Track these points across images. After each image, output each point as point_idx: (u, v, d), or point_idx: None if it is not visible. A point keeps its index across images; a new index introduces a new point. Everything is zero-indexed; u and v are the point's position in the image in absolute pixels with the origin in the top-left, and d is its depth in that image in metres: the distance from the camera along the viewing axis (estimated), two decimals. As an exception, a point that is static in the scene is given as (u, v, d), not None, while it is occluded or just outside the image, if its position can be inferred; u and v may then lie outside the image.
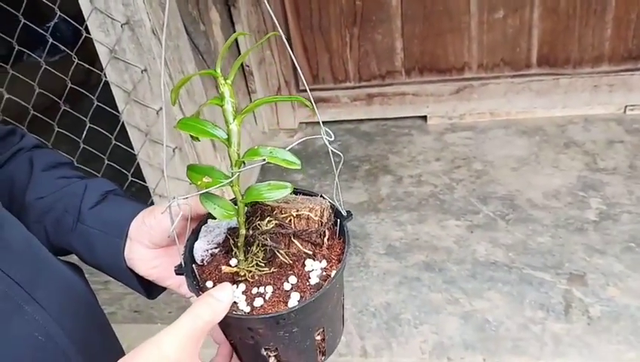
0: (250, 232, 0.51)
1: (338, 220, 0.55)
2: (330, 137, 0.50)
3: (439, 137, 2.03)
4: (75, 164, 1.58)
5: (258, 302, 0.49)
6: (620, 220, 1.48)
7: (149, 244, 0.59)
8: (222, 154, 1.54)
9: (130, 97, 1.33)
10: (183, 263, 0.53)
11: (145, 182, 1.48)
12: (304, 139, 0.62)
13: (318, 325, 0.52)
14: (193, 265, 0.54)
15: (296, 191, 0.56)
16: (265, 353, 0.51)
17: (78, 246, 0.61)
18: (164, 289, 0.64)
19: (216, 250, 0.55)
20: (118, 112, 1.39)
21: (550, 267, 1.38)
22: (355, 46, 2.08)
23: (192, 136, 0.46)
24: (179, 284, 0.61)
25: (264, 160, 0.46)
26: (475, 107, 2.08)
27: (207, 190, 0.47)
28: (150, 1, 1.24)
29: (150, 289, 0.63)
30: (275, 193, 0.48)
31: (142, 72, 1.28)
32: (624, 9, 1.83)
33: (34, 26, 1.44)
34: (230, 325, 0.51)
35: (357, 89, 2.15)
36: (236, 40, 1.98)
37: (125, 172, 1.53)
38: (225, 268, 0.51)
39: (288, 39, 2.11)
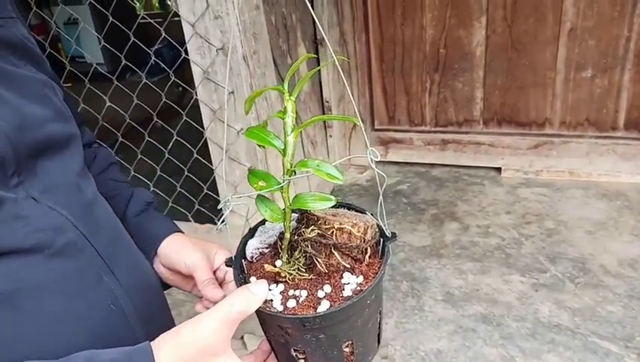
0: (295, 238, 0.55)
1: (381, 240, 0.57)
2: (376, 157, 0.53)
3: (512, 191, 1.98)
4: (160, 173, 1.71)
5: (291, 303, 0.52)
6: None
7: (170, 268, 0.69)
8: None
9: (215, 116, 1.43)
10: (233, 257, 0.58)
11: (219, 196, 1.57)
12: (347, 157, 0.65)
13: (347, 337, 0.53)
14: (243, 260, 0.59)
15: (349, 207, 0.60)
16: (294, 354, 0.54)
17: None
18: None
19: (267, 250, 0.59)
20: (203, 129, 1.50)
21: (619, 339, 1.29)
22: (434, 91, 2.10)
23: (258, 144, 0.51)
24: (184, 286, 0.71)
25: (309, 171, 0.50)
26: (553, 164, 2.02)
27: (259, 192, 0.52)
28: (245, 30, 1.34)
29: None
30: (318, 203, 0.52)
31: (229, 93, 1.38)
32: None
33: (142, 46, 1.60)
34: (265, 321, 0.54)
35: (432, 133, 2.16)
36: (319, 76, 2.07)
37: (202, 185, 1.62)
38: (267, 267, 0.55)
39: (369, 80, 2.18)
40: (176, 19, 1.48)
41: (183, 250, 0.67)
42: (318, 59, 2.05)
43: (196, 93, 1.44)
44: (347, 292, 0.52)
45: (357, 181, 2.20)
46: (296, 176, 0.51)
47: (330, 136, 2.18)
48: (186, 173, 1.67)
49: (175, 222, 0.74)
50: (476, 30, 1.94)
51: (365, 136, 0.53)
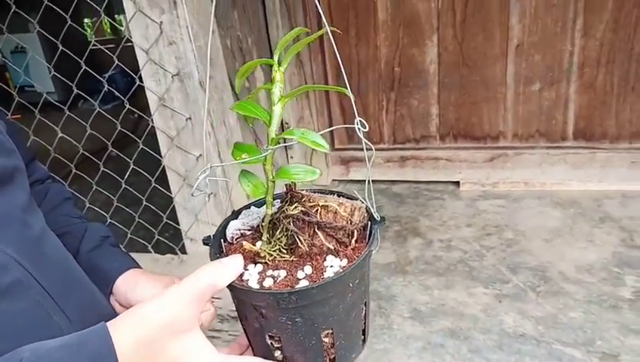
0: (277, 215, 0.52)
1: (369, 224, 0.54)
2: (365, 128, 0.51)
3: (471, 203, 2.03)
4: (117, 204, 1.66)
5: (267, 282, 0.49)
6: (658, 301, 1.42)
7: (128, 306, 0.65)
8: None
9: (173, 143, 1.40)
10: (211, 236, 0.55)
11: (179, 225, 1.53)
12: (337, 127, 0.65)
13: (326, 324, 0.50)
14: (222, 241, 0.56)
15: (339, 195, 0.57)
16: (269, 342, 0.50)
17: None
18: None
19: (248, 232, 0.57)
20: (161, 157, 1.47)
21: (581, 344, 1.32)
22: (391, 109, 2.14)
23: (245, 118, 0.51)
24: None
25: (294, 139, 0.49)
26: (508, 176, 2.08)
27: (240, 161, 0.51)
28: (200, 55, 1.33)
29: None
30: (302, 175, 0.50)
31: (186, 120, 1.36)
32: (663, 88, 1.83)
33: (94, 74, 1.56)
34: (239, 301, 0.51)
35: (391, 151, 2.19)
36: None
37: (161, 213, 1.59)
38: (246, 245, 0.52)
39: (327, 101, 2.20)
40: (128, 44, 1.45)
41: (140, 285, 0.64)
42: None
43: (152, 120, 1.42)
44: (328, 275, 0.49)
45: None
46: (281, 145, 0.51)
47: (292, 157, 2.17)
48: (144, 202, 1.63)
49: (135, 253, 0.71)
50: (429, 48, 1.99)
51: (354, 107, 0.53)
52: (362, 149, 2.03)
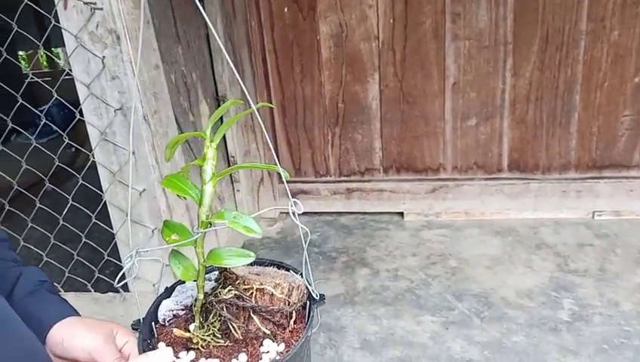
0: (210, 299, 0.50)
1: (308, 303, 0.52)
2: (299, 210, 0.51)
3: (415, 233, 2.08)
4: (54, 241, 1.58)
5: None
6: (593, 321, 1.50)
7: (63, 357, 0.61)
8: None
9: (115, 178, 1.36)
10: (141, 319, 0.52)
11: (120, 262, 1.47)
12: (272, 208, 0.64)
13: None
14: (153, 323, 0.53)
15: (279, 266, 0.55)
16: None
17: None
18: None
19: (182, 312, 0.54)
20: (102, 193, 1.42)
21: (525, 367, 1.36)
22: (336, 143, 2.18)
23: (178, 195, 0.48)
24: None
25: (225, 224, 0.47)
26: (450, 206, 2.15)
27: (170, 246, 0.48)
28: (145, 90, 1.32)
29: None
30: (235, 260, 0.47)
31: (131, 154, 1.33)
32: (586, 122, 1.98)
33: (30, 107, 1.50)
34: None
35: (337, 183, 2.22)
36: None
37: (102, 251, 1.52)
38: (177, 332, 0.49)
39: (274, 135, 2.22)
40: (68, 77, 1.42)
41: (77, 334, 0.60)
42: (221, 117, 2.06)
43: (93, 155, 1.38)
44: None
45: (267, 234, 2.19)
46: (212, 229, 0.48)
47: (238, 190, 2.16)
48: (83, 239, 1.56)
49: (73, 293, 0.67)
50: (371, 85, 2.06)
51: (287, 190, 0.52)
52: (310, 182, 2.03)
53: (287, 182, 2.30)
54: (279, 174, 2.21)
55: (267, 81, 2.12)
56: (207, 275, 0.52)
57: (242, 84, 0.51)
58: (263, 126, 0.52)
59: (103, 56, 1.27)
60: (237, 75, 0.52)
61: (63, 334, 0.60)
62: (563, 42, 1.89)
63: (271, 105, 2.05)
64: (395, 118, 2.10)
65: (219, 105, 2.05)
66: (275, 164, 0.51)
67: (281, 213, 2.27)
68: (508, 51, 1.93)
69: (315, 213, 2.25)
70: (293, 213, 0.49)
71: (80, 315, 0.65)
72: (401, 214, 2.20)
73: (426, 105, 2.06)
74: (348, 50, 2.03)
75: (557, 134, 2.02)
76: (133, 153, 1.33)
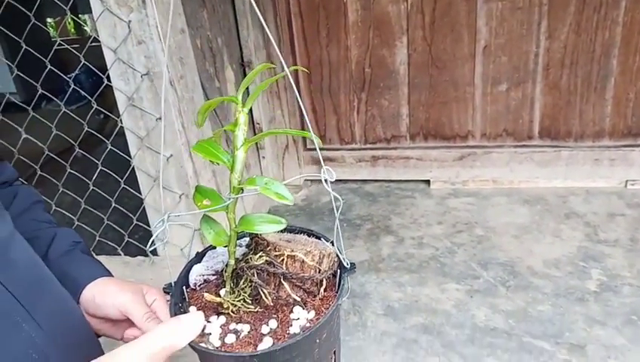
0: (241, 264, 0.49)
1: (339, 271, 0.51)
2: (332, 178, 0.49)
3: (442, 201, 2.06)
4: (85, 206, 1.62)
5: (230, 338, 0.47)
6: (621, 292, 1.47)
7: (95, 315, 0.64)
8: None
9: (142, 143, 1.38)
10: (172, 283, 0.52)
11: (149, 226, 1.50)
12: (300, 176, 0.63)
13: None
14: (185, 287, 0.53)
15: (309, 233, 0.54)
16: None
17: None
18: None
19: (213, 277, 0.54)
20: (130, 158, 1.44)
21: (550, 336, 1.36)
22: (362, 110, 2.15)
23: (210, 160, 0.48)
24: (114, 333, 0.65)
25: (257, 189, 0.46)
26: (477, 174, 2.12)
27: (202, 211, 0.48)
28: (171, 54, 1.32)
29: None
30: (266, 226, 0.47)
31: (157, 119, 1.34)
32: (623, 88, 1.90)
33: (59, 73, 1.52)
34: (200, 357, 0.49)
35: (362, 150, 2.20)
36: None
37: (131, 215, 1.55)
38: (207, 296, 0.49)
39: (299, 101, 2.19)
40: (95, 44, 1.42)
41: (108, 292, 0.62)
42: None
43: (121, 120, 1.39)
44: (295, 329, 0.47)
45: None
46: (244, 194, 0.48)
47: (264, 157, 2.17)
48: (113, 204, 1.59)
49: (104, 256, 0.69)
50: (398, 49, 2.01)
51: (320, 157, 0.51)
52: (335, 149, 2.03)
53: (312, 149, 2.28)
54: (304, 141, 2.20)
55: (292, 46, 2.08)
56: (237, 241, 0.52)
57: (275, 45, 0.49)
58: (296, 90, 0.50)
59: (129, 20, 1.27)
60: (267, 30, 0.50)
61: (94, 292, 0.62)
62: (602, 2, 1.79)
63: (305, 69, 2.02)
64: (424, 83, 2.05)
65: (244, 72, 2.03)
66: (304, 130, 0.50)
67: (305, 180, 2.28)
68: (543, 13, 1.85)
69: (340, 180, 2.24)
70: (326, 181, 0.48)
71: (112, 276, 0.67)
72: (427, 182, 2.18)
73: (455, 70, 2.00)
74: (375, 13, 1.98)
75: (591, 100, 1.95)
76: (160, 118, 1.34)
